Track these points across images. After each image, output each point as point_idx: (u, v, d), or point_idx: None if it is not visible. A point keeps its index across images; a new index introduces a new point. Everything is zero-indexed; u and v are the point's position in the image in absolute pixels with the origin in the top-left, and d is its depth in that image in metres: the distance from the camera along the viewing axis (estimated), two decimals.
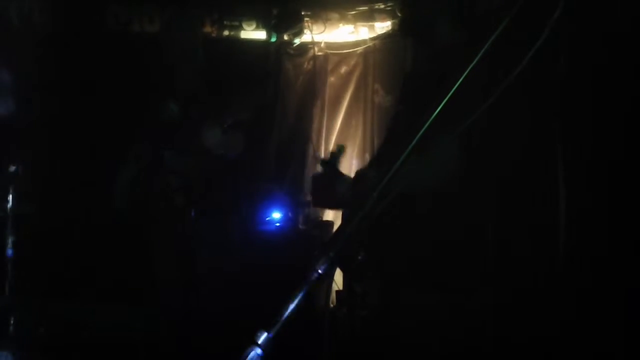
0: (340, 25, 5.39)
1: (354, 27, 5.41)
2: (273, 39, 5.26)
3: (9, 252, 3.83)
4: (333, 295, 4.44)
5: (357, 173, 1.95)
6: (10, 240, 3.84)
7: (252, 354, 1.23)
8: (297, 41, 5.32)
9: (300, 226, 5.07)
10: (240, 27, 5.30)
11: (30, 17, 4.87)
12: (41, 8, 4.86)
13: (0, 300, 3.89)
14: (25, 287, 3.95)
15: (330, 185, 2.09)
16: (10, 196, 3.73)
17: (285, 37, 5.25)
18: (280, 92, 5.45)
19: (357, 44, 5.41)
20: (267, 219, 5.04)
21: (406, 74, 2.31)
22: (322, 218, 5.23)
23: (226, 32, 5.27)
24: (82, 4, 4.94)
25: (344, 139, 5.47)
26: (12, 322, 3.78)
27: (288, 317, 1.28)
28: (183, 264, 4.34)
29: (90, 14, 4.99)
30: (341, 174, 2.19)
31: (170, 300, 4.21)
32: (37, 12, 4.81)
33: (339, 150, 2.29)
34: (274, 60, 5.37)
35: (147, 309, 4.17)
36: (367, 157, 5.32)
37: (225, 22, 5.21)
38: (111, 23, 5.08)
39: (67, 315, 4.04)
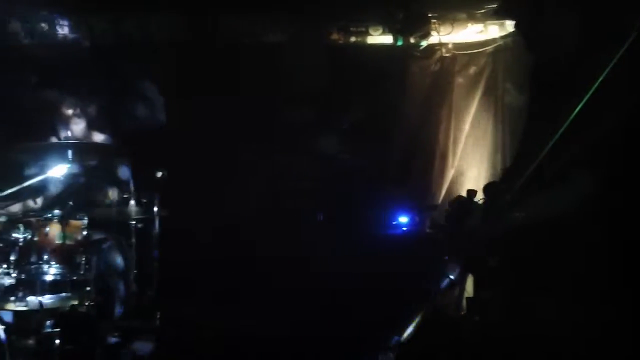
0: (469, 24, 5.26)
1: (483, 26, 5.26)
2: (399, 43, 5.24)
3: (155, 252, 4.14)
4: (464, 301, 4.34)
5: (488, 185, 1.93)
6: (156, 241, 4.15)
7: (382, 357, 1.24)
8: (423, 43, 5.26)
9: (428, 230, 5.00)
10: (366, 33, 5.35)
11: (171, 33, 5.21)
12: (189, 23, 5.19)
13: (147, 298, 4.21)
14: (169, 286, 4.23)
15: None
16: (157, 200, 4.03)
17: (412, 40, 5.21)
18: (406, 95, 5.43)
19: (486, 43, 5.26)
20: (393, 222, 5.02)
21: (532, 74, 2.21)
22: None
23: (353, 39, 5.34)
24: (213, 17, 5.20)
25: (473, 140, 5.34)
26: (157, 317, 4.07)
27: (419, 322, 1.28)
28: (308, 264, 4.45)
29: (222, 26, 5.25)
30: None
31: (298, 302, 4.32)
32: (182, 27, 5.13)
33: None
34: (400, 63, 5.36)
35: (281, 310, 4.31)
36: (499, 158, 5.15)
37: (351, 29, 5.29)
38: (243, 34, 5.31)
39: (196, 314, 4.29)
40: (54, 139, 4.38)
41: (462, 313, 3.92)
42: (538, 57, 2.14)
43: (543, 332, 2.03)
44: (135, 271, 4.18)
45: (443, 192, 5.35)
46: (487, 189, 2.05)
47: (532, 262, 2.13)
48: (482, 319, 1.96)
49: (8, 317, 3.50)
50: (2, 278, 3.48)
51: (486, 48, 5.27)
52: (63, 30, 5.10)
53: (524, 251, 2.09)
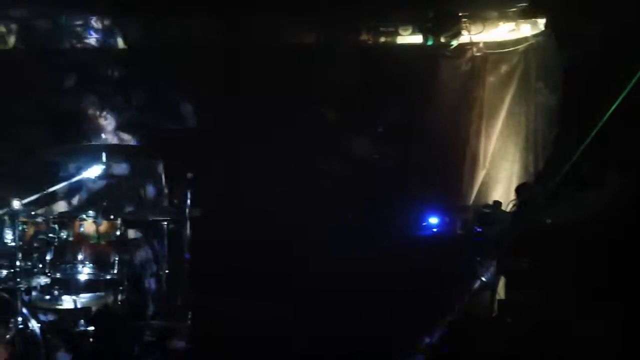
0: (500, 23, 5.19)
1: (515, 25, 5.18)
2: (429, 42, 5.20)
3: (187, 253, 4.18)
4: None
5: (521, 186, 1.90)
6: (187, 242, 4.20)
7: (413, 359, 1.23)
8: (454, 43, 5.21)
9: (459, 231, 4.95)
10: (396, 33, 5.32)
11: (201, 37, 5.27)
12: (211, 27, 5.25)
13: (179, 299, 4.26)
14: (198, 284, 4.28)
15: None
16: (188, 201, 4.08)
17: (442, 40, 5.16)
18: (436, 95, 5.38)
19: (518, 42, 5.17)
20: (423, 224, 4.99)
21: (564, 73, 2.17)
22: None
23: (382, 39, 5.31)
24: (244, 19, 5.24)
25: (504, 141, 5.27)
26: (189, 317, 4.12)
27: (449, 324, 1.27)
28: (338, 264, 4.45)
29: (252, 27, 5.29)
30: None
31: (327, 302, 4.33)
32: (213, 29, 5.20)
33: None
34: (430, 63, 5.32)
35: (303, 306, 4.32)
36: (531, 158, 5.07)
37: (381, 29, 5.26)
38: (272, 35, 5.34)
39: (228, 310, 4.32)
40: (88, 141, 4.46)
41: (494, 315, 3.87)
42: (570, 56, 2.10)
43: (577, 336, 2.00)
44: (167, 271, 4.24)
45: (474, 193, 5.30)
46: (519, 190, 2.02)
47: (565, 264, 2.09)
48: (514, 321, 1.93)
49: (43, 316, 3.58)
50: (38, 277, 3.56)
51: (518, 47, 5.18)
52: (98, 34, 5.20)
53: (557, 253, 2.05)
